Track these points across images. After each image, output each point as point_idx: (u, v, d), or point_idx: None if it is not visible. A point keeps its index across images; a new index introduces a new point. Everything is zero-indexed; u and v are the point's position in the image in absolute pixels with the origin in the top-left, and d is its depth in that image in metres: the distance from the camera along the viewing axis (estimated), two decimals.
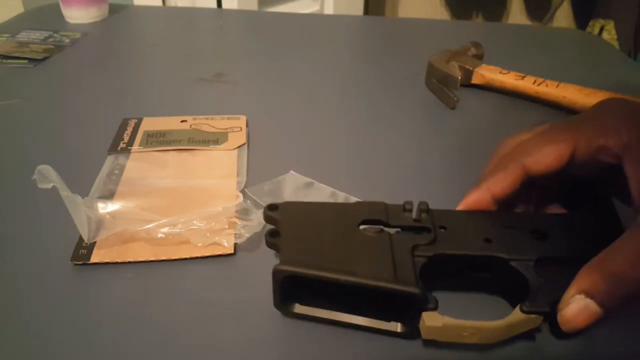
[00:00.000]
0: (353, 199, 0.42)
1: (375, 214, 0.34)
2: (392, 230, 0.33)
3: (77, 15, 0.82)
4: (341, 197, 0.42)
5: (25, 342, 0.31)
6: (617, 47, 1.60)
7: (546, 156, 0.31)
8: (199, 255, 0.36)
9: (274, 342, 0.31)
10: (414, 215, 0.34)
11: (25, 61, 0.68)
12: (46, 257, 0.36)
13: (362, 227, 0.33)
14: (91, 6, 0.83)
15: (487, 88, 0.62)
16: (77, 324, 0.32)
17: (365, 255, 0.31)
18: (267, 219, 0.35)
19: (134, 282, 0.35)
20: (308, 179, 0.44)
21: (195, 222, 0.37)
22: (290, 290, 0.31)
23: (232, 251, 0.37)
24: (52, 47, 0.73)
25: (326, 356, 0.30)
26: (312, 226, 0.33)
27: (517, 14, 2.01)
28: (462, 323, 0.28)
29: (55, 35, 0.78)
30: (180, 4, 1.48)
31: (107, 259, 0.36)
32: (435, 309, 0.29)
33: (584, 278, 0.28)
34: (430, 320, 0.28)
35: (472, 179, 0.45)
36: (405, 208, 0.34)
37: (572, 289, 0.28)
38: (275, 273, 0.30)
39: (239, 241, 0.37)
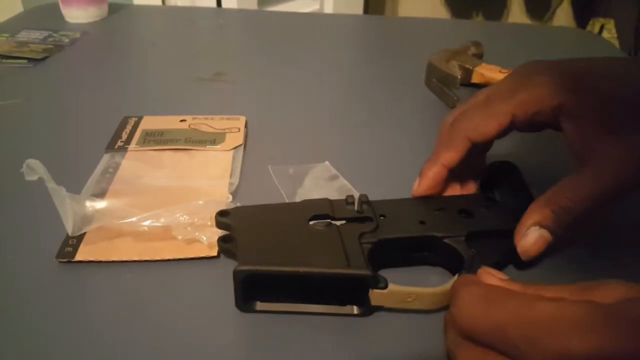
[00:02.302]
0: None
1: (322, 210, 0.36)
2: (339, 223, 0.35)
3: (76, 15, 0.82)
4: (356, 194, 0.42)
5: (10, 340, 0.30)
6: (617, 45, 1.60)
7: (489, 129, 0.36)
8: (183, 256, 0.36)
9: (250, 342, 0.31)
10: (356, 207, 0.36)
11: (25, 61, 0.68)
12: (34, 254, 0.36)
13: (311, 222, 0.35)
14: (91, 6, 0.83)
15: None
16: (62, 322, 0.32)
17: (318, 247, 0.33)
18: (219, 225, 0.35)
19: (120, 279, 0.35)
20: (335, 172, 0.45)
21: (177, 215, 0.37)
22: (250, 289, 0.31)
23: (216, 254, 0.36)
24: (52, 46, 0.73)
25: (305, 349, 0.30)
26: (265, 227, 0.34)
27: (517, 13, 2.00)
28: (405, 289, 0.31)
29: (54, 34, 0.78)
30: (180, 3, 1.47)
31: (91, 257, 0.36)
32: (385, 287, 0.31)
33: (536, 212, 0.33)
34: None
35: None
36: (348, 201, 0.37)
37: (526, 222, 0.33)
38: (236, 274, 0.31)
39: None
